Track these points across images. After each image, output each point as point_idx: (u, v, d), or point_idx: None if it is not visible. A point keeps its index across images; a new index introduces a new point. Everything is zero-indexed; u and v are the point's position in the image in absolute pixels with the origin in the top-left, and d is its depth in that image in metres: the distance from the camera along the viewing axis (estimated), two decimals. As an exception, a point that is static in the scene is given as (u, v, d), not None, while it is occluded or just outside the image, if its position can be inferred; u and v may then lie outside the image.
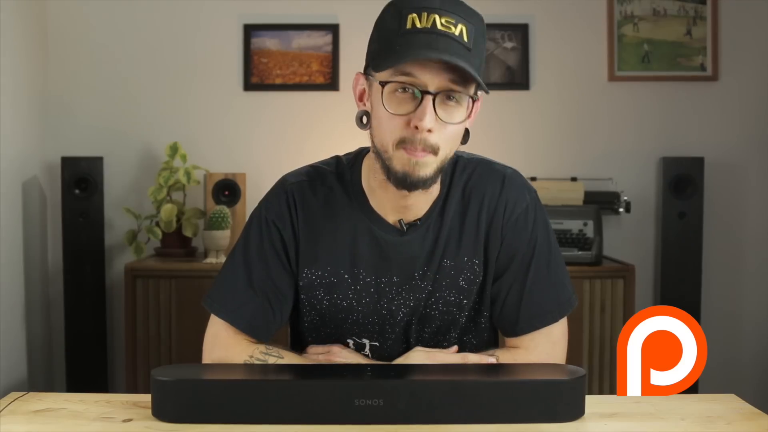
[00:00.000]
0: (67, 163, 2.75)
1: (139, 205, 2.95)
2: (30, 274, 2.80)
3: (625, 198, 2.88)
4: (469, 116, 1.18)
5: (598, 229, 2.72)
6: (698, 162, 2.85)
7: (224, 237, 2.70)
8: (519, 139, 3.01)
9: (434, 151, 1.15)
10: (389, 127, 1.15)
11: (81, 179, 2.76)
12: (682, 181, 2.85)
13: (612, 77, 3.01)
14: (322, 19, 3.01)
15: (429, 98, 1.12)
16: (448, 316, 1.31)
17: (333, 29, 2.99)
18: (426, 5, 1.12)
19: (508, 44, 3.01)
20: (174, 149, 2.83)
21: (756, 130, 3.02)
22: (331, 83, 2.99)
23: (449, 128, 1.15)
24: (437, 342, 1.34)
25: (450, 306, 1.30)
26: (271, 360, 1.25)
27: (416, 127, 1.12)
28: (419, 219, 1.27)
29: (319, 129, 2.98)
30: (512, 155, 2.94)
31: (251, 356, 1.26)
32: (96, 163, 2.78)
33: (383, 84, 1.14)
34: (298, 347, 1.39)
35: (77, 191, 2.76)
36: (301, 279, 1.30)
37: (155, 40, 3.01)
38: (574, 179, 2.95)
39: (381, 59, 1.14)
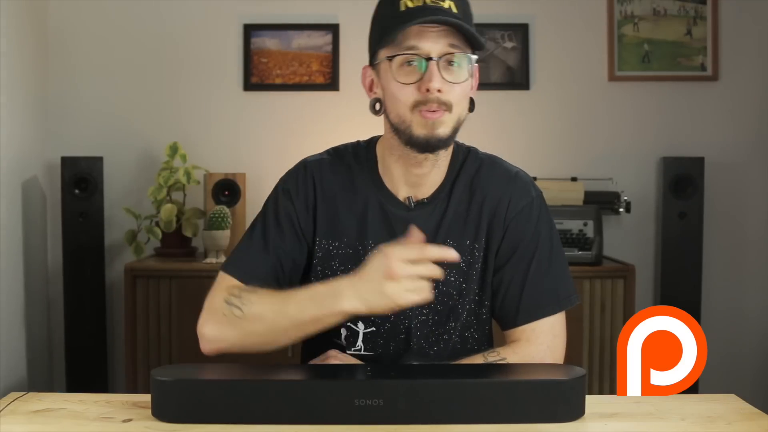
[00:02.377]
0: (67, 163, 2.75)
1: (139, 205, 2.95)
2: (30, 274, 2.80)
3: (625, 198, 2.88)
4: (472, 77, 1.29)
5: (598, 229, 2.72)
6: (698, 162, 2.85)
7: (224, 237, 2.70)
8: (519, 139, 3.01)
9: (448, 107, 1.24)
10: (402, 96, 1.25)
11: (81, 179, 2.76)
12: (682, 181, 2.85)
13: (612, 77, 3.01)
14: (322, 19, 3.01)
15: (433, 63, 1.22)
16: (448, 299, 1.34)
17: (333, 29, 2.99)
18: None
19: (508, 44, 3.01)
20: (174, 149, 2.83)
21: (756, 130, 3.02)
22: (331, 83, 2.99)
23: (456, 88, 1.25)
24: (438, 336, 1.35)
25: (449, 287, 1.34)
26: (244, 296, 1.25)
27: (427, 90, 1.22)
28: (426, 198, 1.35)
29: (319, 129, 2.97)
30: (512, 155, 2.90)
31: (229, 294, 1.27)
32: (96, 163, 2.78)
33: (390, 58, 1.24)
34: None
35: (77, 191, 2.76)
36: (319, 249, 1.36)
37: (155, 40, 3.01)
38: (574, 179, 2.95)
39: (383, 38, 1.25)
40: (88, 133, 2.99)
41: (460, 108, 1.27)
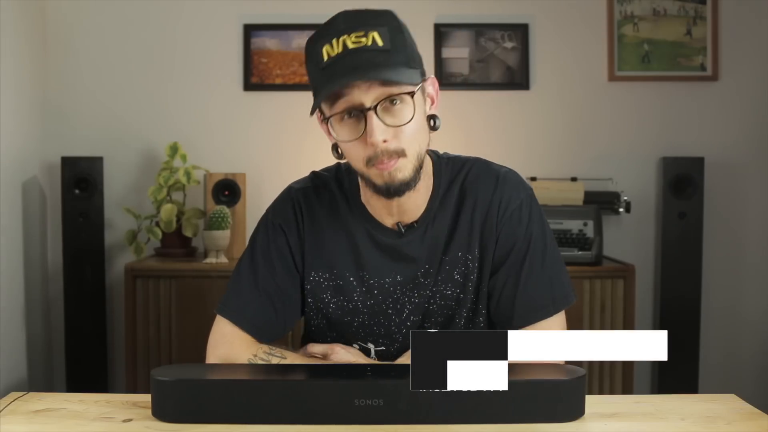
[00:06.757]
0: (67, 163, 2.75)
1: (139, 205, 2.96)
2: (30, 274, 2.80)
3: (625, 198, 2.88)
4: (426, 101, 1.23)
5: (598, 229, 2.72)
6: (698, 162, 2.85)
7: (224, 237, 2.70)
8: (519, 139, 3.01)
9: (401, 154, 1.18)
10: (354, 153, 1.20)
11: (81, 179, 2.76)
12: (682, 181, 2.85)
13: (612, 77, 3.01)
14: (322, 19, 2.97)
15: (371, 114, 1.15)
16: (447, 311, 1.33)
17: (333, 29, 2.99)
18: (333, 31, 1.20)
19: (508, 44, 3.01)
20: (174, 149, 2.83)
21: (756, 130, 3.02)
22: (331, 83, 2.99)
23: (404, 130, 1.18)
24: None
25: (448, 300, 1.33)
26: (274, 360, 1.26)
27: (373, 144, 1.16)
28: (416, 221, 1.31)
29: (318, 129, 2.96)
30: (512, 155, 2.94)
31: (255, 355, 1.27)
32: (96, 163, 2.78)
33: (327, 119, 1.21)
34: None
35: (77, 191, 2.76)
36: (308, 282, 1.34)
37: (155, 40, 3.01)
38: (574, 179, 2.95)
39: (315, 98, 1.20)
40: (88, 133, 3.00)
41: (415, 147, 1.20)
